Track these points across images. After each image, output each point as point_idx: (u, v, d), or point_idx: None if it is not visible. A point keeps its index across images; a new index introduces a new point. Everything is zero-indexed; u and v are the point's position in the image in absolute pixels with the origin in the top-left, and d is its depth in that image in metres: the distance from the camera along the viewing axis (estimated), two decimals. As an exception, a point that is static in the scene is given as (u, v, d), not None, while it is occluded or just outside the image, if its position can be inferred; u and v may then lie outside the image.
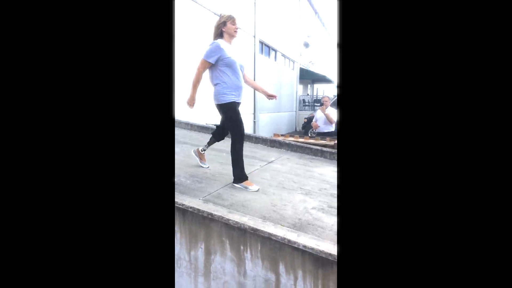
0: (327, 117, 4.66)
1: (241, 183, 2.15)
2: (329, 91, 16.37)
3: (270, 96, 2.42)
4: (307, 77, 14.24)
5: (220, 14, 2.23)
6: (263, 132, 9.14)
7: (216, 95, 2.13)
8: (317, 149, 3.59)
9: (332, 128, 4.90)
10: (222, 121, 2.38)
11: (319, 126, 4.83)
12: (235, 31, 2.17)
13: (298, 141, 3.85)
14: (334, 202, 1.97)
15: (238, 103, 2.18)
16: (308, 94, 15.76)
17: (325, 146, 3.73)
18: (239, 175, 2.15)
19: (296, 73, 12.85)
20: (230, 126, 2.18)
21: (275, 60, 10.54)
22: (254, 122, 9.05)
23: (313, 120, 5.01)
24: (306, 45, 12.79)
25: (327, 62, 19.33)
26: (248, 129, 8.25)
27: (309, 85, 16.53)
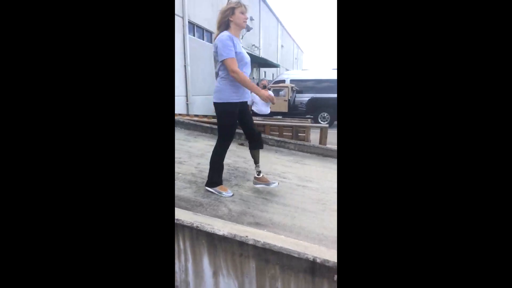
0: (270, 99, 5.08)
1: (215, 188, 2.07)
2: (281, 75, 16.79)
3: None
4: (254, 61, 14.43)
5: (227, 1, 1.93)
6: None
7: (217, 92, 1.93)
8: (207, 127, 3.90)
9: (268, 111, 5.23)
10: (247, 129, 2.12)
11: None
12: (245, 22, 1.90)
13: (191, 119, 4.15)
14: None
15: (242, 103, 2.00)
16: (253, 78, 16.03)
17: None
18: (215, 179, 2.06)
19: (238, 56, 12.98)
20: (222, 129, 2.01)
21: (211, 42, 10.56)
22: (187, 104, 9.15)
23: (250, 102, 5.11)
24: (248, 28, 12.91)
25: (275, 47, 19.67)
26: (181, 111, 8.34)
27: (255, 69, 16.80)
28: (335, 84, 11.36)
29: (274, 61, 17.97)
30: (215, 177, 2.06)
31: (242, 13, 1.87)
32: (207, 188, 2.09)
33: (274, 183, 2.18)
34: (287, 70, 21.23)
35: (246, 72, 1.94)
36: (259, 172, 2.19)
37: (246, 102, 2.07)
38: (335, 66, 13.15)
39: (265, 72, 18.58)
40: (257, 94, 1.95)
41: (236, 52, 1.85)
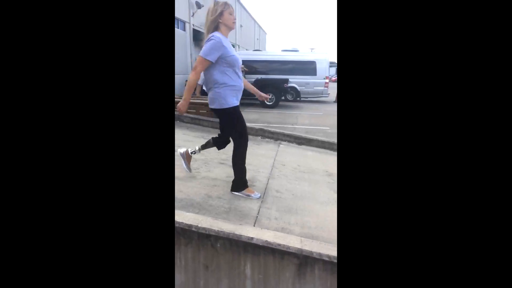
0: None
1: (243, 191, 2.11)
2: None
3: (262, 98, 2.34)
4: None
5: (214, 2, 1.93)
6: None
7: (217, 99, 1.92)
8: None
9: None
10: (223, 128, 2.17)
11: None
12: (234, 23, 1.93)
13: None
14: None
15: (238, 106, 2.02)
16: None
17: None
18: (242, 183, 2.10)
19: (188, 34, 12.65)
20: (235, 133, 2.02)
21: (184, 30, 10.18)
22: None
23: (201, 82, 4.88)
24: (198, 5, 12.51)
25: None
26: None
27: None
28: (283, 65, 11.59)
29: (232, 41, 17.70)
30: (241, 181, 2.10)
31: (231, 14, 1.89)
32: (233, 192, 2.13)
33: (189, 168, 2.35)
34: (246, 50, 21.04)
35: (238, 76, 1.96)
36: (193, 152, 2.33)
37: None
38: (297, 48, 13.31)
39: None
40: (184, 100, 1.94)
41: (228, 56, 1.86)
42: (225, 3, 1.89)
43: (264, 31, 35.24)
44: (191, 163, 2.44)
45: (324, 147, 4.02)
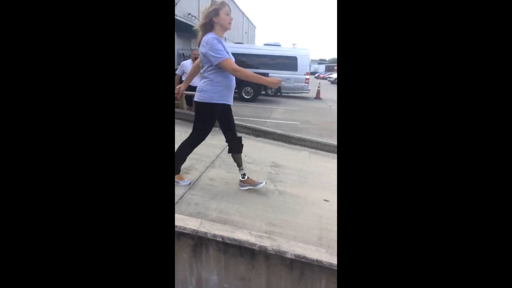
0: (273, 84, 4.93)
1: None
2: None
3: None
4: (190, 31, 13.95)
5: (211, 1, 1.90)
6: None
7: (200, 91, 1.94)
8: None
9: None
10: (230, 133, 2.15)
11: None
12: (230, 23, 1.89)
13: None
14: None
15: (225, 106, 2.01)
16: (191, 48, 15.61)
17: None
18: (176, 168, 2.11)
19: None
20: (197, 128, 2.02)
21: None
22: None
23: (180, 72, 4.69)
24: (182, -5, 12.38)
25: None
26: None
27: (192, 40, 16.30)
28: (265, 59, 11.61)
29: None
30: (176, 166, 2.09)
31: (227, 14, 1.85)
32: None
33: (261, 183, 2.26)
34: (234, 43, 20.93)
35: (230, 75, 1.94)
36: (244, 175, 2.23)
37: (230, 106, 2.08)
38: (279, 42, 13.29)
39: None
40: (263, 83, 1.96)
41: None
42: (222, 2, 1.85)
43: (253, 24, 35.06)
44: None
45: (281, 140, 4.09)
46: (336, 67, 46.86)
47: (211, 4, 1.84)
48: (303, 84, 11.99)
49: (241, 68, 1.87)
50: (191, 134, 2.04)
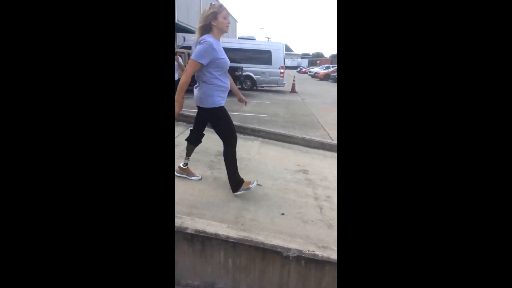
0: (180, 66, 5.04)
1: (241, 188, 2.15)
2: (187, 41, 16.29)
3: (241, 101, 2.44)
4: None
5: (210, 4, 1.96)
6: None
7: (203, 97, 1.99)
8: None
9: (176, 77, 5.22)
10: (201, 127, 2.28)
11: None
12: (227, 26, 1.95)
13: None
14: None
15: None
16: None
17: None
18: (237, 182, 2.14)
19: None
20: (224, 131, 2.08)
21: None
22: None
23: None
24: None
25: (197, 11, 18.98)
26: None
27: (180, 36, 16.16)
28: (239, 53, 11.66)
29: (195, 27, 17.38)
30: (236, 180, 2.16)
31: (225, 17, 1.91)
32: (235, 194, 2.19)
33: (197, 176, 2.40)
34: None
35: (226, 77, 2.04)
36: (186, 164, 2.38)
37: None
38: (254, 36, 13.32)
39: (184, 38, 17.98)
40: (176, 102, 1.94)
41: (218, 59, 1.92)
42: (220, 6, 1.93)
43: (234, 18, 34.83)
44: (193, 169, 2.47)
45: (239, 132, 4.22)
46: (319, 61, 47.31)
47: (209, 7, 1.91)
48: (278, 78, 12.14)
49: (186, 78, 1.90)
50: (226, 144, 2.11)
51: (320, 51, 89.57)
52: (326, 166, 3.41)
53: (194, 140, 2.33)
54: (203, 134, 2.35)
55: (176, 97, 1.90)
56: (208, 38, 1.90)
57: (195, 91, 2.07)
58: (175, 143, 2.95)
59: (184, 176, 2.37)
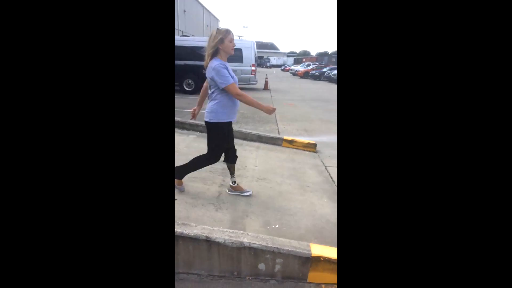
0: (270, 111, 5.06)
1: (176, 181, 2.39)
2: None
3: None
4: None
5: (216, 29, 2.09)
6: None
7: (210, 112, 2.15)
8: None
9: None
10: (228, 145, 2.36)
11: None
12: (232, 49, 2.10)
13: None
14: None
15: (230, 122, 2.23)
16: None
17: None
18: (179, 175, 2.39)
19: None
20: (211, 147, 2.23)
21: None
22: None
23: None
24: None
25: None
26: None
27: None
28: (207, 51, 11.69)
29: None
30: (183, 172, 2.37)
31: (230, 41, 2.05)
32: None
33: (248, 191, 2.54)
34: (192, 36, 20.77)
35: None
36: (234, 182, 2.52)
37: (231, 122, 2.29)
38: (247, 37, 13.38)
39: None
40: (261, 109, 2.14)
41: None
42: (226, 31, 2.05)
43: (216, 17, 34.80)
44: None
45: (176, 127, 4.32)
46: (304, 59, 47.57)
47: (217, 32, 2.05)
48: (250, 75, 12.25)
49: (244, 93, 2.09)
50: (208, 152, 2.26)
51: (307, 49, 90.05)
52: (252, 157, 3.55)
53: (230, 158, 2.45)
54: (235, 149, 2.46)
55: (263, 108, 2.14)
56: (216, 62, 2.05)
57: (207, 107, 2.23)
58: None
59: (237, 193, 2.53)
